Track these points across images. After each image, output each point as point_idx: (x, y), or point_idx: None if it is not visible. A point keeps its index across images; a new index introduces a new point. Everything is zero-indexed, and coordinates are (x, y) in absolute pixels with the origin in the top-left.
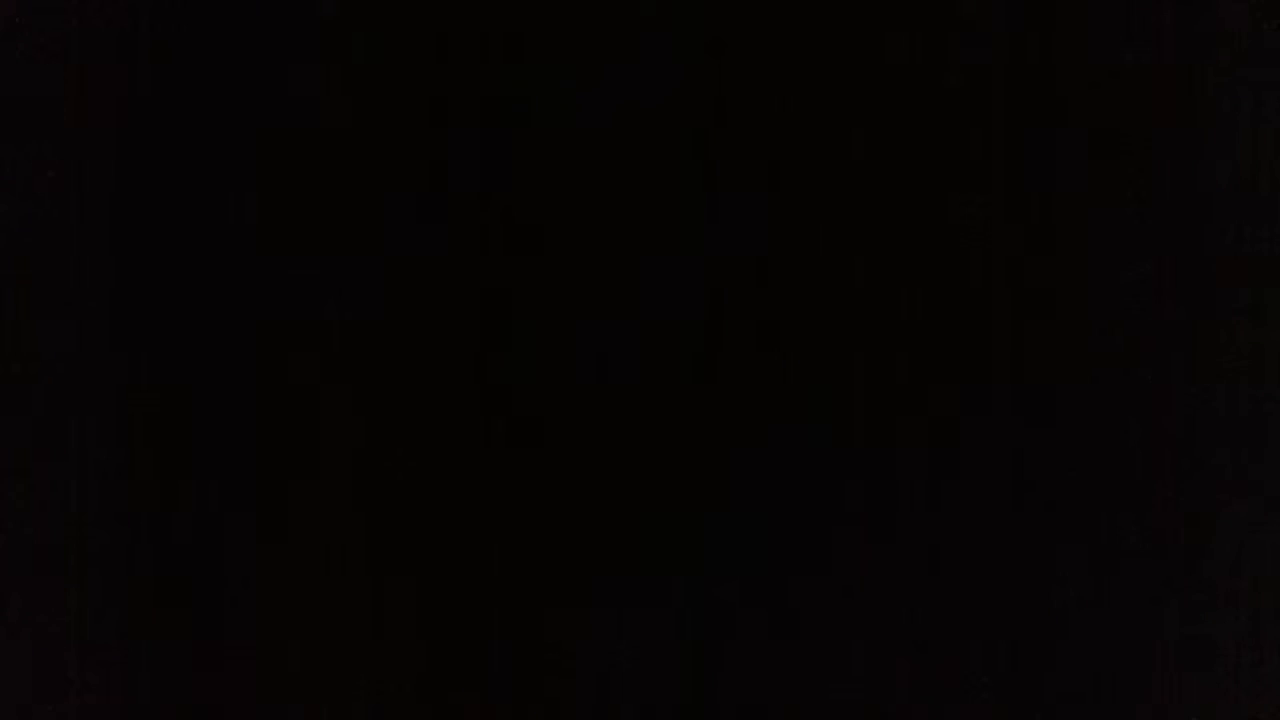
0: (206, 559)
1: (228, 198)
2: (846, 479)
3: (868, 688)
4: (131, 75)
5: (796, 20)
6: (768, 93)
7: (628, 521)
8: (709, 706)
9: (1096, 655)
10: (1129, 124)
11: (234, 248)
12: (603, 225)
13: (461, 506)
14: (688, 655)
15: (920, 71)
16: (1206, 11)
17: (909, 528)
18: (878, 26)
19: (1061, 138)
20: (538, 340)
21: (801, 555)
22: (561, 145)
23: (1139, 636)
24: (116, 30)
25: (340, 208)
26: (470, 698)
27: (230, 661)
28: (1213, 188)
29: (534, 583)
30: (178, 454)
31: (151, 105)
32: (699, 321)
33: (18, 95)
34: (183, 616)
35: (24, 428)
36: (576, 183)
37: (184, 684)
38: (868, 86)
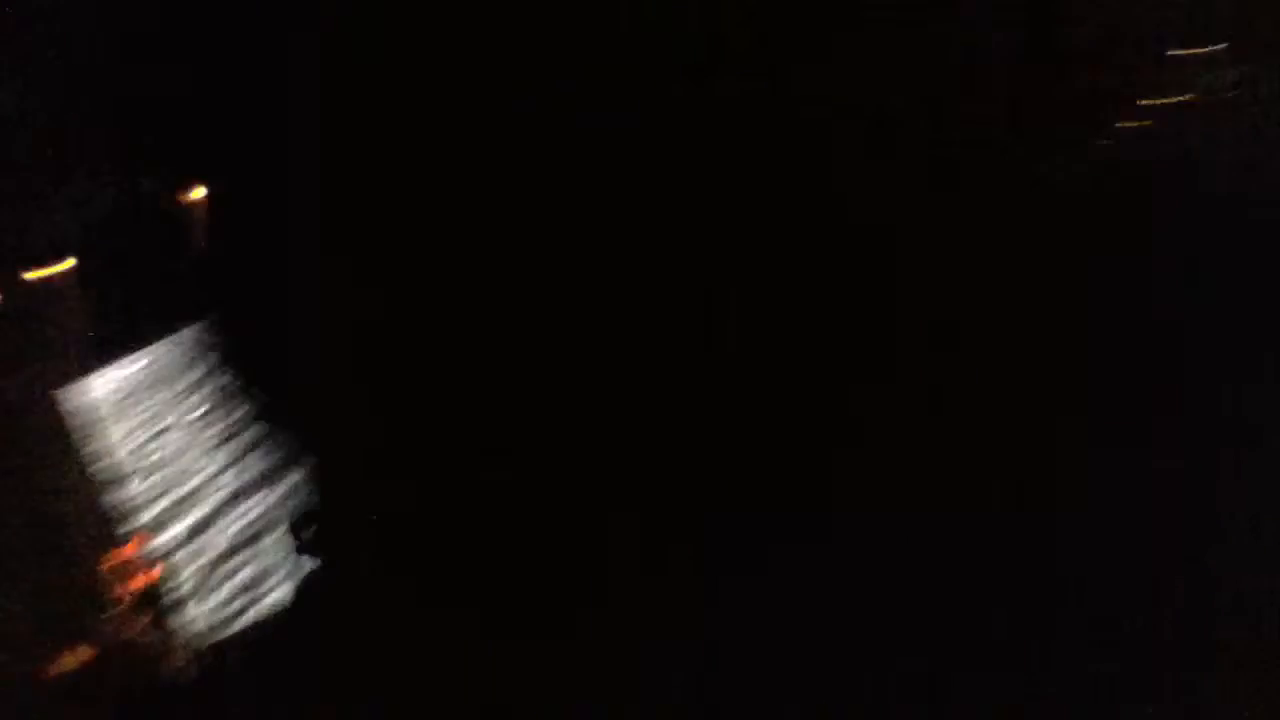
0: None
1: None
2: (847, 479)
3: (868, 687)
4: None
5: (796, 21)
6: (767, 93)
7: (628, 521)
8: (709, 706)
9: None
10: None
11: (234, 246)
12: (603, 225)
13: (462, 506)
14: (688, 655)
15: (920, 71)
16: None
17: (909, 526)
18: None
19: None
20: (537, 340)
21: (801, 554)
22: (561, 145)
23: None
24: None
25: (340, 207)
26: (472, 697)
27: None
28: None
29: (537, 582)
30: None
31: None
32: (699, 321)
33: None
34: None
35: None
36: (577, 182)
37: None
38: (866, 86)
